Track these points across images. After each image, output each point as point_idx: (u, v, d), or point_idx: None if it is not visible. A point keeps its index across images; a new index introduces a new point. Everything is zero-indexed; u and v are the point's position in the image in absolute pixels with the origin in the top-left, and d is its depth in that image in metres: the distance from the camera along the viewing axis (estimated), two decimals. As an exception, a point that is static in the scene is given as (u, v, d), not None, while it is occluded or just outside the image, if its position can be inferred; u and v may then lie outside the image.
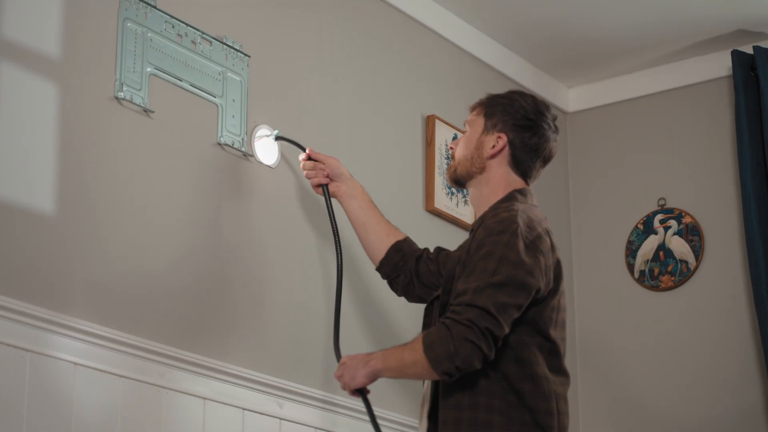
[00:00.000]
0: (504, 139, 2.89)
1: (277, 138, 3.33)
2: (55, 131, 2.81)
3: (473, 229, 2.84)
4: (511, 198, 2.85)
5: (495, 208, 2.84)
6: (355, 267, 3.51)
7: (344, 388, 2.89)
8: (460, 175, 2.95)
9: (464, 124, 3.01)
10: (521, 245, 2.70)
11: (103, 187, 2.89)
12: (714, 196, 4.37)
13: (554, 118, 2.94)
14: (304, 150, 3.28)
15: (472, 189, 2.95)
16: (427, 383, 2.87)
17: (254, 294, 3.24)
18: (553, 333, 2.77)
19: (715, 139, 4.40)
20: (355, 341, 3.47)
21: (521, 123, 2.89)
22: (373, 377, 2.83)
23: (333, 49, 3.67)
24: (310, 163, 3.25)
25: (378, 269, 3.22)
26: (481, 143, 2.91)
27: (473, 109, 2.98)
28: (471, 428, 2.69)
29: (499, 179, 2.89)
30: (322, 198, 3.28)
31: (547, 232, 2.81)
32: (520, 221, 2.74)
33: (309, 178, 3.27)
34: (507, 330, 2.67)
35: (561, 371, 2.79)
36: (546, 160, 2.94)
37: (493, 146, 2.89)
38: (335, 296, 3.19)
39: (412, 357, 2.70)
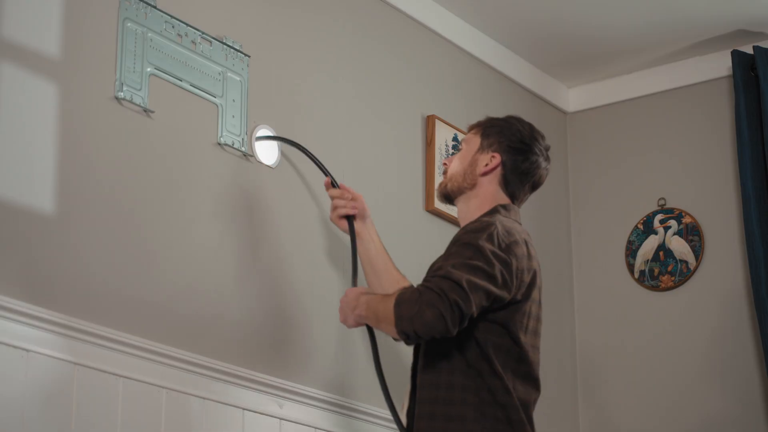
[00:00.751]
0: (498, 158, 2.98)
1: (308, 155, 3.27)
2: (55, 131, 2.81)
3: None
4: (494, 211, 2.94)
5: (478, 217, 2.92)
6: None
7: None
8: (451, 190, 3.03)
9: (461, 143, 3.09)
10: (496, 243, 2.77)
11: (102, 187, 2.89)
12: (714, 196, 4.36)
13: (547, 148, 3.04)
14: (333, 180, 3.22)
15: (460, 204, 3.03)
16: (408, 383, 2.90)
17: (253, 293, 3.23)
18: (524, 338, 2.82)
19: (715, 139, 4.40)
20: (354, 335, 3.47)
21: (515, 146, 2.98)
22: (361, 321, 2.93)
23: (333, 49, 3.67)
24: (338, 191, 3.19)
25: None
26: (475, 160, 3.00)
27: (471, 128, 3.08)
28: (445, 422, 2.75)
29: (487, 195, 2.98)
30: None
31: (525, 242, 2.87)
32: (499, 225, 2.82)
33: (336, 207, 3.18)
34: (474, 311, 2.71)
35: (530, 378, 2.83)
36: (535, 186, 3.04)
37: (486, 164, 2.98)
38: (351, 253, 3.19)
39: (384, 310, 2.78)
